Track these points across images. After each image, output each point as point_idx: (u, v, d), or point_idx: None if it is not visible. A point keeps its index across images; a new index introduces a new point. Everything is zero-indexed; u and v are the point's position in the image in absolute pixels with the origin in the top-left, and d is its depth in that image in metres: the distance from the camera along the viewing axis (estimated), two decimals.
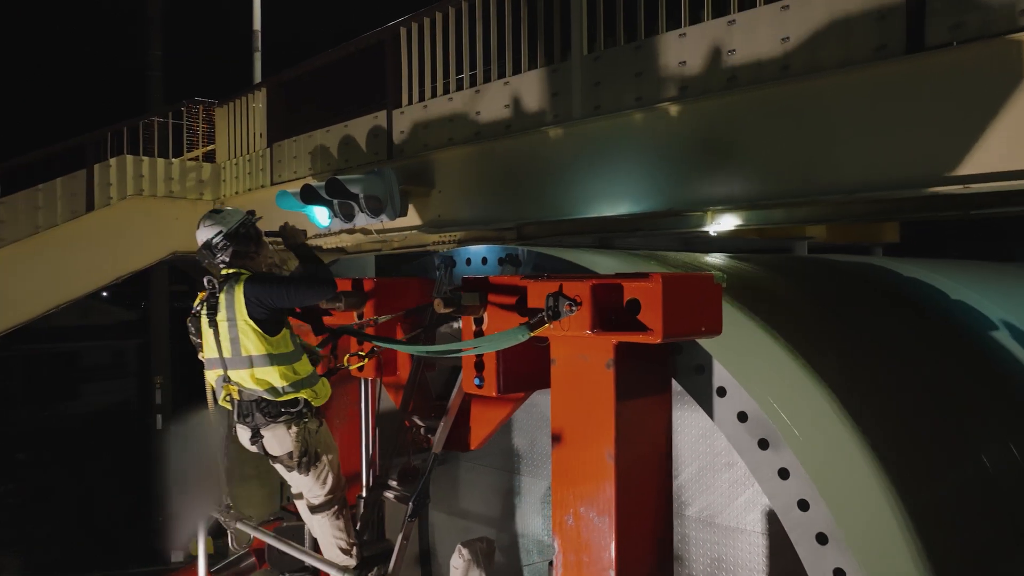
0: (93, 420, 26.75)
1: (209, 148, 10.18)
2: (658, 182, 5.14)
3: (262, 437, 3.46)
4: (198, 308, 3.48)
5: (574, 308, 2.73)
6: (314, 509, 3.62)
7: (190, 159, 10.06)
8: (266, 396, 3.36)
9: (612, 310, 2.73)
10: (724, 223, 7.15)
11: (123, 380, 30.78)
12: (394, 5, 7.17)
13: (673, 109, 4.90)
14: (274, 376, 3.33)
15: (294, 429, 3.43)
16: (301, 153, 8.34)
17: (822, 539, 2.84)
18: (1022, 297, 5.36)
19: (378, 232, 7.27)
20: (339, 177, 6.76)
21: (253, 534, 3.86)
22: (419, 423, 3.85)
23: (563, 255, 3.79)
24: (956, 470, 3.62)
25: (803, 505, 2.88)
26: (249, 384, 3.36)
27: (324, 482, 3.57)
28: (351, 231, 7.56)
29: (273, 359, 3.31)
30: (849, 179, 4.12)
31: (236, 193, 9.70)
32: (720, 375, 3.08)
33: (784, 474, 2.92)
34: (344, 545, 3.67)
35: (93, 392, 29.43)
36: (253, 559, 4.27)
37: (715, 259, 4.90)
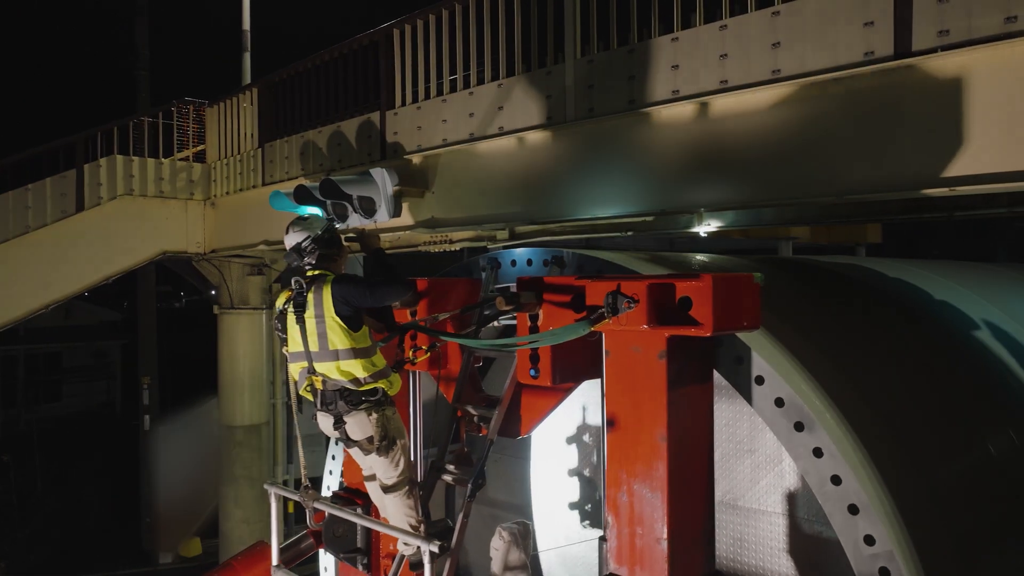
0: (77, 421, 26.52)
1: (199, 148, 10.17)
2: (650, 184, 5.23)
3: (345, 423, 3.76)
4: (284, 306, 3.76)
5: (632, 305, 3.05)
6: (387, 489, 3.91)
7: (180, 159, 10.04)
8: (349, 386, 3.68)
9: (665, 307, 3.05)
10: (713, 224, 7.25)
11: (107, 381, 30.52)
12: (387, 6, 7.20)
13: (665, 112, 4.98)
14: (357, 368, 3.66)
15: (374, 415, 3.74)
16: (293, 153, 8.36)
17: (853, 510, 3.19)
18: (1004, 295, 5.59)
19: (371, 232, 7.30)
20: (333, 177, 6.79)
21: (333, 512, 4.15)
22: (472, 412, 4.14)
23: (602, 255, 4.19)
24: (961, 452, 4.02)
25: (836, 480, 3.23)
26: (335, 375, 3.67)
27: (397, 464, 3.86)
28: (344, 232, 7.58)
29: (356, 352, 3.65)
30: (840, 181, 4.22)
31: (227, 193, 9.70)
32: (758, 365, 3.44)
33: (818, 453, 3.28)
34: (413, 522, 3.93)
35: (76, 393, 29.18)
36: (311, 540, 4.52)
37: (706, 258, 5.04)
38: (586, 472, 5.21)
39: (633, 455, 3.18)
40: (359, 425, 3.75)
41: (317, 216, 3.99)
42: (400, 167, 6.94)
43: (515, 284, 3.69)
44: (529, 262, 4.42)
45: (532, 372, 3.59)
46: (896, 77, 3.93)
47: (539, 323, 3.58)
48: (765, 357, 3.44)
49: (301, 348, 3.71)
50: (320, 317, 3.61)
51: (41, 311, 9.09)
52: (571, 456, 5.27)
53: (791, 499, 3.89)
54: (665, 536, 3.08)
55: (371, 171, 6.93)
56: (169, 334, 24.78)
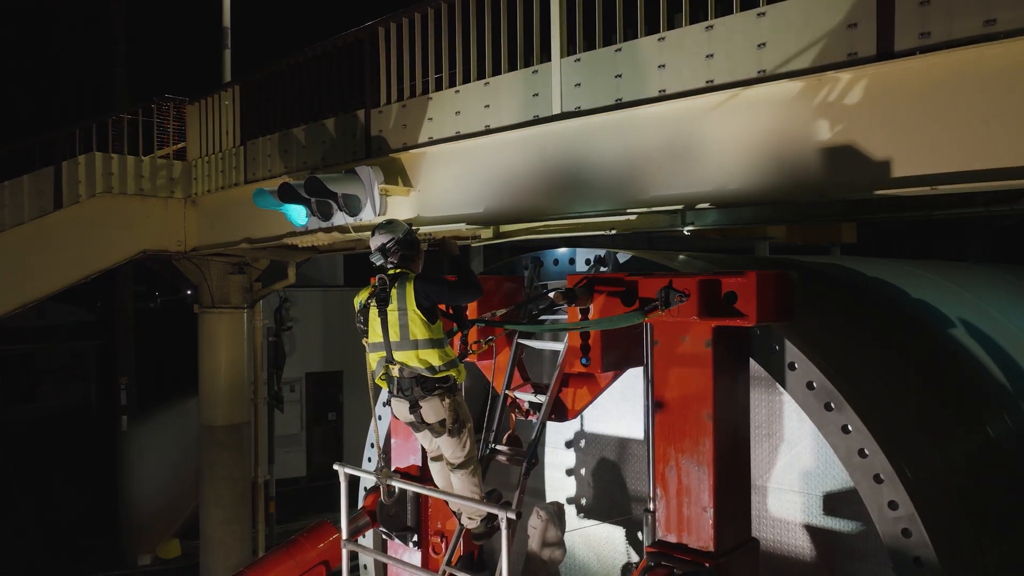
0: (52, 423, 26.14)
1: (180, 146, 10.08)
2: (634, 183, 5.27)
3: (420, 408, 4.14)
4: (368, 301, 4.17)
5: (683, 299, 3.45)
6: (455, 468, 4.32)
7: (160, 157, 9.94)
8: (425, 373, 4.06)
9: (711, 300, 3.47)
10: (697, 223, 7.31)
11: (83, 382, 30.10)
12: (373, 3, 7.19)
13: (650, 111, 5.02)
14: (433, 357, 4.05)
15: (447, 401, 4.13)
16: (275, 151, 8.31)
17: (878, 479, 3.61)
18: (984, 291, 5.91)
19: (355, 230, 7.29)
20: (318, 176, 6.77)
21: (409, 489, 4.62)
22: (521, 399, 4.59)
23: (642, 255, 4.78)
24: (965, 432, 4.53)
25: (862, 453, 3.65)
26: (413, 363, 4.06)
27: (465, 445, 4.27)
28: (328, 230, 7.56)
29: (433, 343, 4.05)
30: (822, 180, 4.28)
31: (208, 191, 9.62)
32: (791, 353, 3.89)
33: (846, 429, 3.71)
34: (478, 497, 4.36)
35: (51, 394, 28.76)
36: (367, 518, 4.86)
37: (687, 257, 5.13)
38: (582, 471, 5.52)
39: (681, 433, 3.57)
40: (433, 409, 4.13)
41: (399, 221, 4.37)
42: (385, 165, 6.94)
43: (565, 280, 4.11)
44: (572, 261, 4.89)
45: (583, 360, 4.00)
46: (878, 77, 4.00)
47: (590, 316, 3.97)
48: (797, 345, 3.86)
49: (381, 339, 4.12)
50: (403, 310, 4.01)
51: (17, 311, 8.95)
52: (569, 458, 5.62)
53: (806, 478, 4.28)
54: (711, 505, 3.46)
55: (356, 169, 6.92)
56: (144, 334, 24.50)
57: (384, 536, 4.96)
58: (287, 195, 7.01)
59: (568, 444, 5.57)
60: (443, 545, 4.79)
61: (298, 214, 7.38)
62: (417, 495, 4.80)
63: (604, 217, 5.92)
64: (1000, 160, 3.62)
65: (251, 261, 10.85)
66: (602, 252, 4.75)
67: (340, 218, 7.06)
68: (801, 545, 4.30)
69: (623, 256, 4.74)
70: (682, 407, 3.58)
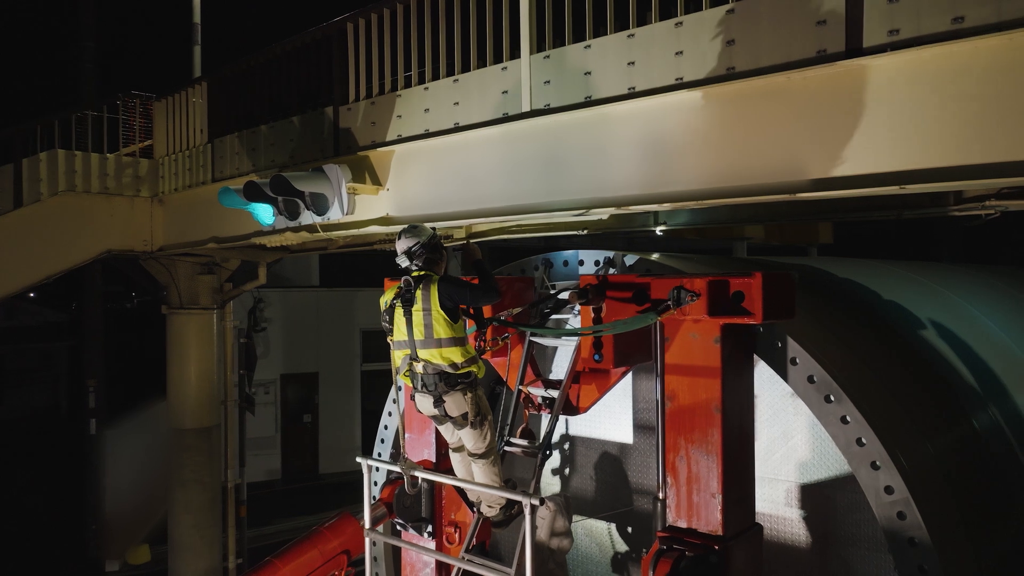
0: (21, 425, 25.66)
1: (147, 143, 9.86)
2: (605, 181, 5.19)
3: (444, 402, 4.35)
4: (393, 301, 4.40)
5: (694, 298, 3.68)
6: (476, 458, 4.55)
7: (126, 155, 9.72)
8: (447, 370, 4.29)
9: (719, 300, 3.71)
10: (669, 223, 7.27)
11: (53, 384, 29.59)
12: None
13: (621, 108, 4.95)
14: (456, 354, 4.28)
15: (469, 395, 4.36)
16: (244, 149, 8.15)
17: (875, 466, 3.87)
18: (958, 289, 6.03)
19: (324, 229, 7.15)
20: (284, 174, 6.63)
21: (434, 480, 4.86)
22: (534, 394, 4.79)
23: (648, 257, 5.00)
24: (950, 424, 4.84)
25: (859, 442, 3.91)
26: (436, 360, 4.29)
27: (485, 437, 4.49)
28: (296, 229, 7.42)
29: (455, 341, 4.28)
30: (790, 178, 4.24)
31: (175, 190, 9.42)
32: (793, 348, 4.15)
33: (845, 420, 3.96)
34: (498, 485, 4.59)
35: (20, 396, 28.24)
36: (385, 509, 5.09)
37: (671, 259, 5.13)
38: (566, 471, 5.78)
39: (690, 424, 3.81)
40: (456, 403, 4.35)
41: (423, 226, 4.56)
42: (354, 163, 6.81)
43: (574, 280, 4.40)
44: (581, 262, 5.16)
45: (596, 357, 4.21)
46: (847, 75, 3.95)
47: (602, 315, 4.21)
48: (798, 341, 4.13)
49: (406, 337, 4.36)
50: (427, 310, 4.24)
51: None
52: (555, 459, 5.82)
53: (801, 468, 4.56)
54: (719, 492, 3.71)
55: (324, 167, 6.79)
56: (119, 335, 24.12)
57: (399, 527, 5.18)
58: (253, 194, 6.87)
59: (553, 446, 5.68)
60: (456, 535, 5.07)
61: (265, 213, 7.24)
62: (431, 487, 5.05)
63: (576, 217, 5.86)
64: (971, 158, 3.58)
65: (220, 261, 10.66)
66: (610, 254, 5.00)
67: (308, 217, 6.92)
68: (796, 532, 4.59)
69: (631, 258, 4.95)
70: (692, 400, 3.82)
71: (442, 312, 4.23)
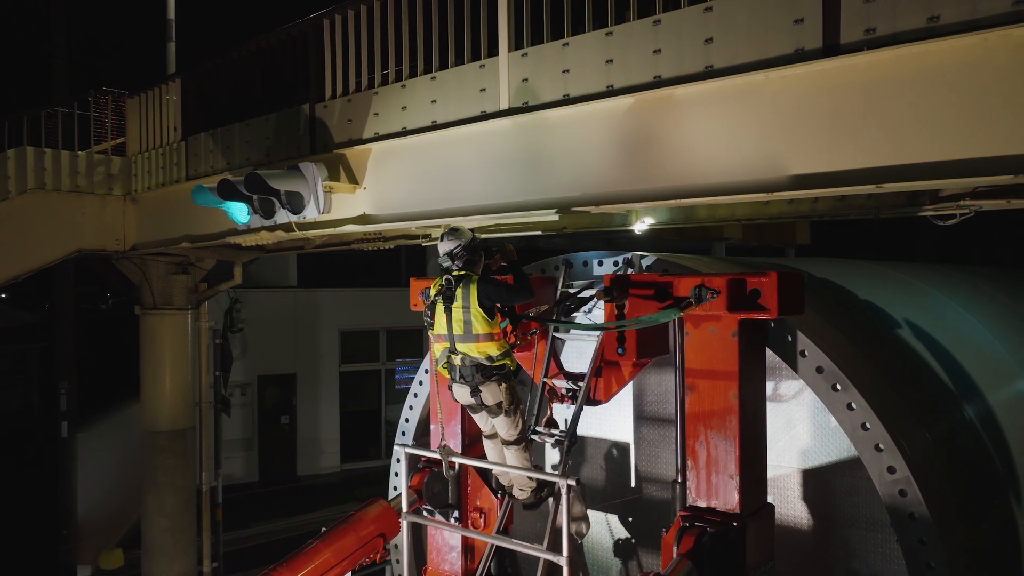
0: None
1: (119, 141, 9.69)
2: (584, 180, 5.16)
3: (480, 392, 4.69)
4: (435, 298, 4.73)
5: (715, 296, 4.00)
6: (508, 444, 4.89)
7: (98, 152, 9.54)
8: (484, 362, 4.63)
9: (737, 297, 4.02)
10: (647, 222, 7.25)
11: (25, 386, 29.05)
12: None
13: (600, 106, 4.92)
14: (492, 348, 4.61)
15: (503, 385, 4.70)
16: (218, 147, 8.03)
17: (878, 448, 4.21)
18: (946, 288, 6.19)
19: (299, 228, 7.06)
20: (259, 172, 6.53)
21: (471, 464, 5.31)
22: (559, 386, 5.05)
23: (665, 257, 5.30)
24: (942, 413, 5.19)
25: (864, 427, 4.26)
26: (474, 353, 4.63)
27: (517, 424, 4.83)
28: (271, 228, 7.32)
29: (491, 336, 4.61)
30: (769, 177, 4.23)
31: (148, 188, 9.27)
32: (802, 342, 4.47)
33: (850, 407, 4.30)
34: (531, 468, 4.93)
35: None
36: (415, 495, 5.44)
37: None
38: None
39: (710, 411, 4.15)
40: (491, 393, 4.69)
41: (463, 228, 4.82)
42: (330, 161, 6.73)
43: (593, 280, 4.88)
44: (600, 263, 5.45)
45: (619, 350, 4.49)
46: (824, 73, 3.95)
47: (625, 312, 4.46)
48: (807, 335, 4.45)
49: (446, 331, 4.67)
50: (466, 308, 4.56)
51: None
52: (555, 456, 5.91)
53: (803, 456, 4.91)
54: (736, 473, 4.04)
55: (299, 165, 6.70)
56: (93, 336, 23.73)
57: (426, 512, 5.55)
58: (227, 192, 6.77)
59: (553, 445, 5.69)
60: (481, 520, 5.51)
61: (240, 212, 7.13)
62: (457, 475, 5.45)
63: (555, 216, 5.82)
64: (946, 155, 3.59)
65: (195, 261, 10.50)
66: (628, 255, 5.32)
67: (283, 216, 6.82)
68: (799, 516, 4.93)
69: (648, 259, 5.26)
70: (711, 389, 4.14)
71: (480, 310, 4.54)
